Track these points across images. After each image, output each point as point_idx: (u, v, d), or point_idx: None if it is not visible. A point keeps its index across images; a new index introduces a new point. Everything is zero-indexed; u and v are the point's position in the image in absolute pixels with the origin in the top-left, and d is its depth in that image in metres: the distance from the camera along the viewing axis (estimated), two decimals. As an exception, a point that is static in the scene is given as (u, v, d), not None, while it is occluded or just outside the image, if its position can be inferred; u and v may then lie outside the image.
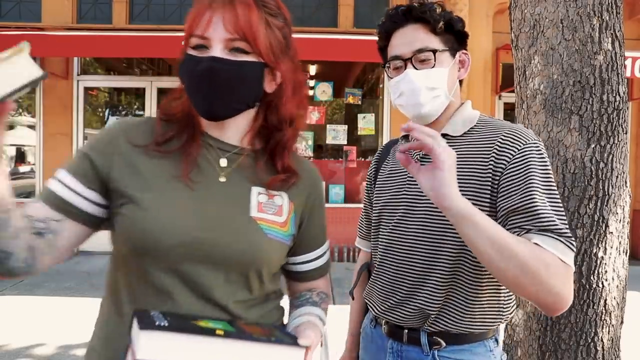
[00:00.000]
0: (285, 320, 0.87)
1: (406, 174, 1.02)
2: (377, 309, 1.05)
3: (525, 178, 0.85)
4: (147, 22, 5.81)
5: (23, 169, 6.65)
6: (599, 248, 1.50)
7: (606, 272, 1.51)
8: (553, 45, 1.55)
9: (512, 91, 1.86)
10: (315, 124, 6.01)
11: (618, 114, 1.52)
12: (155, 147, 0.77)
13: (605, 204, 1.50)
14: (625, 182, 1.55)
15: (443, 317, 0.94)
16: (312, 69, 6.20)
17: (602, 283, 1.51)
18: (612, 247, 1.52)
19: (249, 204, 0.79)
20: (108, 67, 6.34)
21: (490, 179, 0.89)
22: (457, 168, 0.80)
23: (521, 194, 0.84)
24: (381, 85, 6.11)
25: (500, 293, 0.96)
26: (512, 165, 0.87)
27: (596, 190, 1.50)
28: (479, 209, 0.79)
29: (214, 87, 0.74)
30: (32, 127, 6.07)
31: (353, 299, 1.20)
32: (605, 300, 1.51)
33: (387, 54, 1.02)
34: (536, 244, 0.79)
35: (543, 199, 0.83)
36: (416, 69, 0.95)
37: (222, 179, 0.79)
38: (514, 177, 0.86)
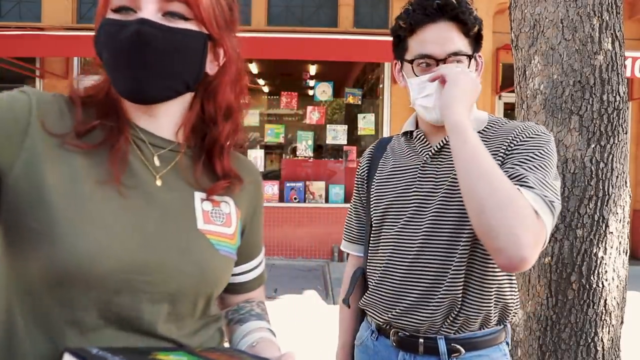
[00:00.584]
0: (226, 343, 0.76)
1: (416, 170, 0.97)
2: (382, 317, 0.98)
3: (529, 153, 0.86)
4: (147, 22, 5.80)
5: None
6: (599, 248, 1.50)
7: (606, 272, 1.51)
8: (553, 45, 1.55)
9: (512, 91, 1.86)
10: (315, 124, 6.01)
11: (618, 114, 1.52)
12: (74, 141, 0.58)
13: (605, 204, 1.50)
14: (625, 182, 1.55)
15: (465, 308, 0.91)
16: (312, 69, 6.20)
17: (602, 283, 1.51)
18: (612, 247, 1.52)
19: (194, 214, 0.64)
20: (108, 67, 6.34)
21: (501, 158, 0.88)
22: None
23: (517, 162, 0.84)
24: (381, 85, 6.11)
25: (504, 289, 0.95)
26: (524, 142, 0.88)
27: (596, 190, 1.50)
28: None
29: (143, 59, 0.57)
30: (31, 127, 6.06)
31: (349, 307, 1.11)
32: (606, 300, 1.51)
33: (406, 46, 0.94)
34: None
35: (536, 170, 0.82)
36: None
37: (159, 183, 0.63)
38: (519, 150, 0.87)
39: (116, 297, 0.56)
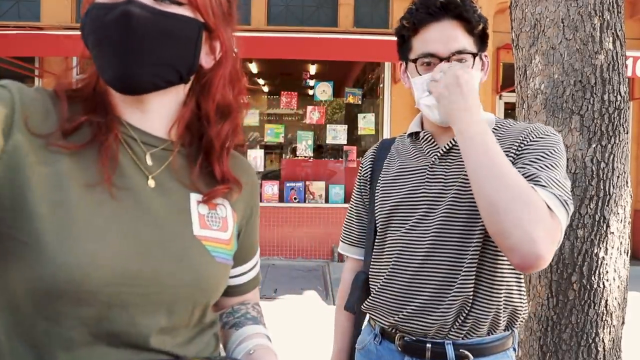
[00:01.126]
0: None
1: (424, 172, 0.96)
2: (387, 321, 0.96)
3: (540, 152, 0.85)
4: (147, 22, 5.80)
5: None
6: (600, 248, 1.50)
7: (607, 272, 1.50)
8: (554, 45, 1.54)
9: (513, 91, 1.85)
10: (315, 124, 6.00)
11: (619, 114, 1.52)
12: (61, 140, 0.53)
13: (606, 204, 1.50)
14: (627, 182, 1.55)
15: (474, 311, 0.90)
16: (312, 69, 6.19)
17: (603, 283, 1.50)
18: (613, 247, 1.51)
19: (190, 218, 0.61)
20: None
21: (512, 158, 0.88)
22: None
23: (529, 162, 0.84)
24: (381, 85, 6.10)
25: (513, 292, 0.94)
26: (535, 141, 0.87)
27: (597, 190, 1.50)
28: None
29: (131, 43, 0.53)
30: (31, 127, 6.06)
31: (354, 313, 1.07)
32: (607, 300, 1.50)
33: (410, 46, 0.93)
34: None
35: (549, 169, 0.82)
36: None
37: (151, 184, 0.59)
38: (530, 149, 0.86)
39: (108, 312, 0.52)
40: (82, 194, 0.52)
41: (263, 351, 0.66)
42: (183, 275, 0.57)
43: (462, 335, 0.91)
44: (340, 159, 6.01)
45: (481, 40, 0.93)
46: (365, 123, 6.01)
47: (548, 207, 0.75)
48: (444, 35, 0.88)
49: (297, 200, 5.77)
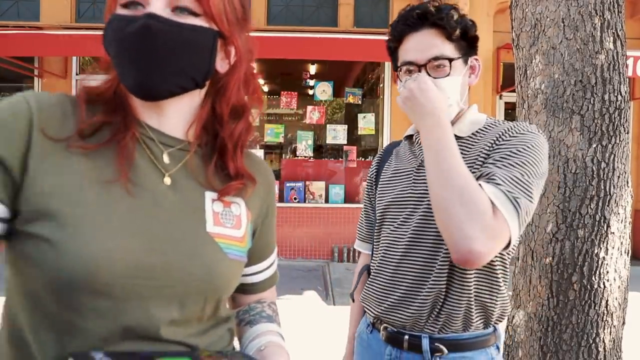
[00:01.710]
0: (236, 341, 0.75)
1: (412, 174, 1.02)
2: (373, 312, 1.03)
3: (506, 151, 0.87)
4: (147, 22, 5.79)
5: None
6: (601, 248, 1.50)
7: (608, 272, 1.50)
8: (554, 45, 1.54)
9: (513, 91, 1.85)
10: (315, 124, 6.00)
11: (619, 114, 1.51)
12: (80, 141, 0.57)
13: (606, 204, 1.50)
14: (627, 182, 1.54)
15: (445, 307, 0.93)
16: (312, 69, 6.19)
17: (604, 283, 1.50)
18: (613, 248, 1.51)
19: (204, 215, 0.63)
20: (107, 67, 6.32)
21: (484, 156, 0.91)
22: (465, 161, 0.90)
23: (494, 161, 0.87)
24: (381, 85, 6.10)
25: (483, 292, 0.95)
26: (505, 141, 0.90)
27: (597, 190, 1.49)
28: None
29: (150, 53, 0.56)
30: (31, 126, 6.05)
31: (353, 301, 1.19)
32: (607, 300, 1.50)
33: (396, 56, 1.00)
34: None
35: (509, 167, 0.84)
36: (430, 76, 0.93)
37: (167, 181, 0.62)
38: (499, 149, 0.89)
39: (123, 304, 0.55)
40: (99, 190, 0.56)
41: (274, 348, 0.67)
42: (195, 270, 0.59)
43: (437, 330, 0.94)
44: (340, 159, 6.01)
45: (468, 44, 0.97)
46: (365, 123, 6.01)
47: (493, 204, 0.78)
48: (422, 43, 0.94)
49: (297, 200, 5.77)
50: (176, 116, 0.64)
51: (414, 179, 1.01)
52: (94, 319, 0.54)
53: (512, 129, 0.92)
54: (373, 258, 1.10)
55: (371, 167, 1.19)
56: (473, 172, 0.90)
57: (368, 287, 1.06)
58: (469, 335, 0.95)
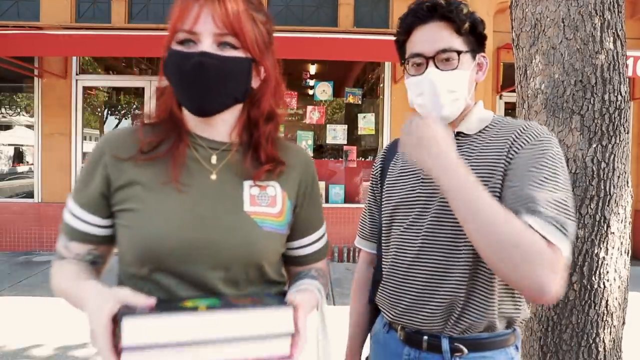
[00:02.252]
0: None
1: (419, 173, 1.00)
2: (389, 315, 1.02)
3: (533, 163, 0.84)
4: (146, 22, 5.80)
5: (21, 169, 6.64)
6: (601, 248, 1.49)
7: (608, 272, 1.50)
8: (554, 45, 1.54)
9: (513, 91, 1.85)
10: (315, 124, 6.00)
11: (620, 114, 1.51)
12: (143, 157, 0.79)
13: (606, 204, 1.49)
14: (627, 182, 1.54)
15: (466, 315, 0.91)
16: (312, 69, 6.19)
17: (604, 284, 1.50)
18: (613, 248, 1.51)
19: (242, 199, 0.80)
20: (107, 67, 6.33)
21: (503, 164, 0.88)
22: (473, 162, 0.89)
23: (523, 177, 0.83)
24: (381, 85, 6.10)
25: (506, 300, 0.94)
26: (525, 150, 0.87)
27: (597, 190, 1.49)
28: (490, 193, 0.82)
29: (205, 83, 0.74)
30: (30, 127, 6.06)
31: (373, 306, 1.13)
32: (607, 301, 1.50)
33: (404, 49, 0.98)
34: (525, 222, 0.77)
35: (543, 185, 0.81)
36: (438, 68, 0.92)
37: (213, 177, 0.81)
38: (522, 160, 0.86)
39: (183, 266, 0.75)
40: (158, 190, 0.78)
41: (301, 290, 0.80)
42: (233, 241, 0.77)
43: (458, 333, 0.93)
44: (340, 159, 6.01)
45: (476, 40, 0.95)
46: (365, 123, 6.01)
47: (545, 239, 0.75)
48: (430, 36, 0.92)
49: (297, 200, 5.76)
50: (222, 125, 0.83)
51: (422, 178, 0.99)
52: (165, 277, 0.75)
53: (525, 130, 0.89)
54: (384, 261, 1.07)
55: (375, 165, 1.18)
56: (491, 164, 0.88)
57: (382, 289, 1.04)
58: (489, 335, 0.93)
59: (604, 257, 1.50)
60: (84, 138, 6.02)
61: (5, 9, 5.86)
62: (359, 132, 6.02)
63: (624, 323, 1.57)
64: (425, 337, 0.95)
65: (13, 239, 5.80)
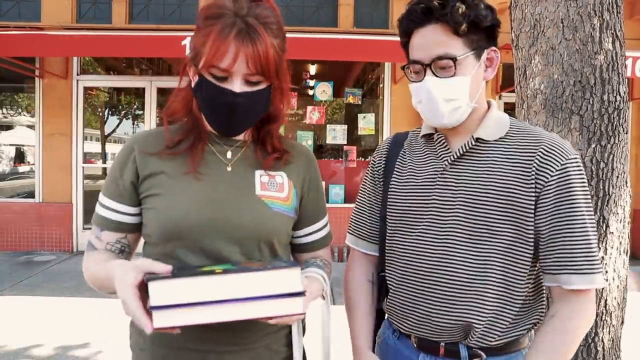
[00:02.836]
0: None
1: (436, 176, 0.95)
2: (400, 325, 0.99)
3: (568, 201, 0.86)
4: (147, 22, 5.80)
5: (22, 169, 6.64)
6: (600, 248, 1.50)
7: (607, 272, 1.51)
8: (553, 45, 1.54)
9: (513, 91, 1.85)
10: (315, 124, 6.01)
11: (619, 114, 1.52)
12: (167, 152, 0.91)
13: (605, 204, 1.50)
14: (626, 182, 1.55)
15: (490, 330, 0.89)
16: (312, 69, 6.19)
17: (603, 283, 1.50)
18: (612, 247, 1.51)
19: (254, 185, 0.93)
20: (108, 67, 6.34)
21: (533, 191, 0.87)
22: (496, 174, 0.90)
23: (563, 221, 0.86)
24: (381, 85, 6.10)
25: (534, 298, 0.94)
26: (553, 180, 0.86)
27: (597, 190, 1.50)
28: (524, 218, 0.87)
29: (234, 116, 0.87)
30: (31, 127, 6.07)
31: (384, 314, 1.09)
32: (606, 300, 1.50)
33: (407, 51, 0.95)
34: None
35: (586, 231, 0.85)
36: (436, 75, 0.88)
37: (229, 169, 0.93)
38: (555, 196, 0.86)
39: (203, 242, 0.87)
40: (180, 179, 0.90)
41: (312, 275, 0.92)
42: (245, 220, 0.89)
43: (475, 341, 0.91)
44: (340, 159, 6.01)
45: (484, 35, 0.90)
46: (365, 123, 6.01)
47: (588, 298, 0.87)
48: (427, 41, 0.88)
49: (297, 200, 5.77)
50: None
51: (438, 183, 0.94)
52: (187, 252, 0.87)
53: (549, 152, 0.88)
54: (390, 266, 1.02)
55: (375, 159, 1.10)
56: (521, 185, 0.88)
57: (392, 298, 1.00)
58: (507, 341, 0.93)
59: (603, 257, 1.50)
60: (85, 138, 6.03)
61: (6, 9, 5.87)
62: (359, 132, 6.02)
63: (622, 322, 1.57)
64: (443, 344, 0.92)
65: (14, 238, 5.81)
